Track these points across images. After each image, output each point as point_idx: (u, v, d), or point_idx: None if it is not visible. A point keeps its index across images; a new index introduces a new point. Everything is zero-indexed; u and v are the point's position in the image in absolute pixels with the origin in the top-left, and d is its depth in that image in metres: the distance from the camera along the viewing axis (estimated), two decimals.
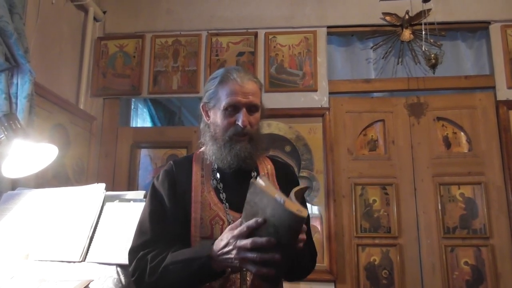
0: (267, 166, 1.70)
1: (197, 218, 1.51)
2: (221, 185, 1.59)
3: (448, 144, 3.39)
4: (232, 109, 1.53)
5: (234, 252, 1.26)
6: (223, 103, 1.53)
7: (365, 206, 3.32)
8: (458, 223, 3.23)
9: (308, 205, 3.32)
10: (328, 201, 3.30)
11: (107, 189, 2.10)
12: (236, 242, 1.25)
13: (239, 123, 1.52)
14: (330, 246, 3.22)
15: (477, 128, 3.38)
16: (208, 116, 1.64)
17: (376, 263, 3.23)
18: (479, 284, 3.13)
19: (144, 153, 3.62)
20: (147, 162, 3.60)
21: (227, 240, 1.28)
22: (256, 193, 1.25)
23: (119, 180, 3.51)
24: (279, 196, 1.18)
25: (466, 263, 3.17)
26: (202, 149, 1.67)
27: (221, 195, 1.56)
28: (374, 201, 3.32)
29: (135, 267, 1.45)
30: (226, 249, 1.27)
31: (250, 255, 1.22)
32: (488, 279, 3.13)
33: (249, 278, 1.44)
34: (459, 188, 3.29)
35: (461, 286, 3.13)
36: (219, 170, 1.61)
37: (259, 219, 1.21)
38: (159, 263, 1.39)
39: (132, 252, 1.50)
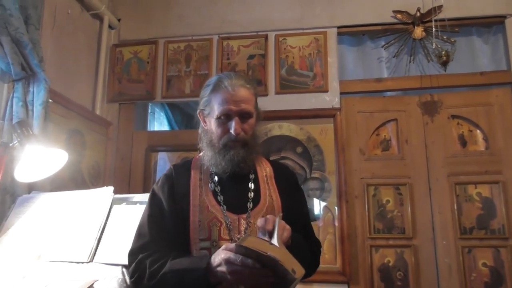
0: (265, 169, 1.73)
1: (196, 221, 1.53)
2: (219, 187, 1.62)
3: (463, 142, 3.34)
4: (224, 118, 1.56)
5: (229, 275, 1.28)
6: (216, 112, 1.57)
7: (378, 206, 3.29)
8: (475, 224, 3.16)
9: (321, 205, 3.34)
10: (341, 202, 3.28)
11: (123, 191, 2.17)
12: (228, 267, 1.27)
13: (232, 131, 1.55)
14: (343, 247, 3.20)
15: (494, 125, 3.30)
16: (205, 122, 1.68)
17: (390, 264, 3.19)
18: (498, 286, 3.05)
19: (160, 156, 3.70)
20: (163, 164, 3.66)
21: (220, 260, 1.30)
22: (247, 251, 1.23)
23: (135, 182, 3.58)
24: (272, 253, 1.18)
25: (484, 264, 3.10)
26: (201, 153, 1.71)
27: (218, 197, 1.59)
28: (388, 201, 3.29)
29: (134, 270, 1.49)
30: (221, 268, 1.29)
31: (245, 277, 1.26)
32: (508, 281, 3.04)
33: None
34: (475, 188, 3.22)
35: None
36: (216, 173, 1.65)
37: (257, 264, 1.23)
38: (158, 269, 1.42)
39: (131, 254, 1.54)
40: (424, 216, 3.23)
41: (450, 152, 3.31)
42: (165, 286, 1.41)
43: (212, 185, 1.62)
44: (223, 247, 1.33)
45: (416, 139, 3.37)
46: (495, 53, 3.56)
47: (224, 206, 1.56)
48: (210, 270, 1.33)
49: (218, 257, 1.31)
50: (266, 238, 1.31)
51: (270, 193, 1.64)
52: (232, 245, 1.30)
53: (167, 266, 1.41)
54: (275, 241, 1.28)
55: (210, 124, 1.63)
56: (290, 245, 1.36)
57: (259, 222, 1.38)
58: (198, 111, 1.69)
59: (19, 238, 1.99)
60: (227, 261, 1.27)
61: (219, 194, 1.60)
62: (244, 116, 1.57)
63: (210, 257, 1.36)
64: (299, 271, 1.17)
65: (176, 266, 1.41)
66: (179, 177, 1.65)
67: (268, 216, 1.40)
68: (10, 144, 2.15)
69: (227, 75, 1.61)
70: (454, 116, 3.37)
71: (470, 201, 3.21)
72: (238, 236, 1.50)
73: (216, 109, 1.57)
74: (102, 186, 2.22)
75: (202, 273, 1.34)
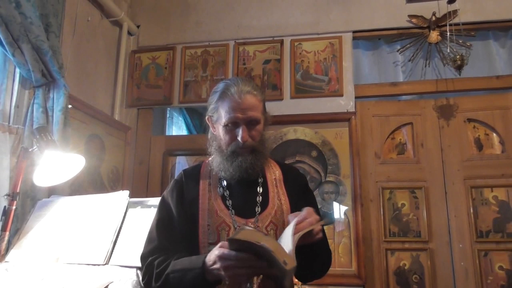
0: (275, 172, 1.73)
1: (205, 225, 1.56)
2: (228, 192, 1.64)
3: (480, 146, 3.31)
4: (232, 125, 1.57)
5: (223, 271, 1.29)
6: (223, 119, 1.58)
7: (393, 210, 3.28)
8: (492, 227, 3.13)
9: (336, 209, 3.35)
10: (356, 205, 3.29)
11: (141, 195, 2.23)
12: (222, 262, 1.29)
13: (239, 139, 1.56)
14: (358, 250, 3.21)
15: (511, 129, 3.27)
16: (213, 127, 1.69)
17: (406, 267, 3.18)
18: None
19: (178, 160, 3.76)
20: (180, 168, 3.71)
21: (214, 258, 1.32)
22: (240, 244, 1.25)
23: (153, 186, 3.64)
24: (265, 244, 1.18)
25: (500, 267, 3.07)
26: (211, 158, 1.72)
27: (227, 202, 1.61)
28: (403, 205, 3.28)
29: (145, 272, 1.53)
30: (216, 266, 1.31)
31: (240, 271, 1.27)
32: None
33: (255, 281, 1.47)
34: (492, 191, 3.20)
35: None
36: (225, 178, 1.66)
37: (253, 257, 1.24)
38: (163, 270, 1.46)
39: (142, 258, 1.58)
40: (440, 220, 3.22)
41: (466, 155, 3.29)
42: (170, 286, 1.44)
43: (221, 189, 1.64)
44: (218, 244, 1.34)
45: (431, 142, 3.36)
46: (511, 57, 3.52)
47: (233, 211, 1.58)
48: (206, 268, 1.35)
49: (213, 254, 1.33)
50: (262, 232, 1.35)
51: (279, 196, 1.65)
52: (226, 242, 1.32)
53: (170, 267, 1.46)
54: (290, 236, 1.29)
55: (218, 131, 1.64)
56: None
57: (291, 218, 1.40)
58: (206, 117, 1.71)
59: (38, 241, 2.06)
60: (221, 258, 1.29)
61: (227, 198, 1.62)
62: (251, 123, 1.58)
63: (206, 256, 1.38)
64: (291, 263, 1.17)
65: (177, 266, 1.45)
66: (188, 182, 1.68)
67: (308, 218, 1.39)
68: (30, 149, 2.22)
69: (234, 82, 1.61)
70: (470, 120, 3.35)
71: (486, 204, 3.18)
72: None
73: (223, 116, 1.57)
74: (121, 190, 2.28)
75: (199, 272, 1.37)
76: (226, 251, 1.28)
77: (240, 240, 1.21)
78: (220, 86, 1.64)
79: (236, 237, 1.21)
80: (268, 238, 1.23)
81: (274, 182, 1.70)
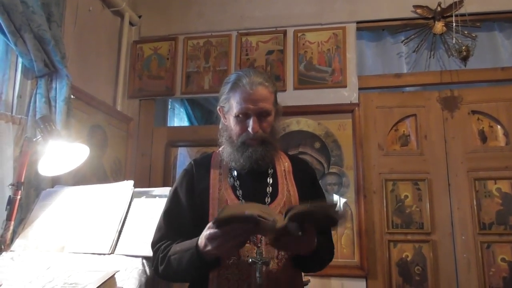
0: (284, 164, 1.74)
1: (215, 214, 1.56)
2: (238, 182, 1.64)
3: (484, 138, 3.30)
4: (243, 116, 1.58)
5: (215, 250, 1.35)
6: (234, 110, 1.58)
7: (396, 202, 3.28)
8: (495, 219, 3.13)
9: (337, 200, 3.35)
10: (359, 197, 3.29)
11: (143, 186, 2.21)
12: (212, 244, 1.35)
13: (250, 130, 1.57)
14: (361, 242, 3.21)
15: None
16: (225, 118, 1.70)
17: (408, 259, 3.19)
18: None
19: (180, 151, 3.75)
20: (183, 160, 3.71)
21: (204, 241, 1.37)
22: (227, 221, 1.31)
23: (155, 177, 3.63)
24: (248, 211, 1.25)
25: (503, 259, 3.08)
26: (221, 148, 1.73)
27: (237, 192, 1.62)
28: (406, 196, 3.28)
29: (153, 258, 1.59)
30: (207, 248, 1.36)
31: (229, 244, 1.33)
32: None
33: (265, 269, 1.48)
34: (495, 183, 3.19)
35: (498, 283, 3.04)
36: (235, 168, 1.67)
37: (236, 226, 1.30)
38: (166, 253, 1.51)
39: (152, 246, 1.62)
40: (443, 212, 3.22)
41: (470, 147, 3.28)
42: (172, 268, 1.49)
43: (231, 179, 1.65)
44: (207, 226, 1.39)
45: (435, 134, 3.35)
46: None
47: (243, 201, 1.59)
48: (200, 251, 1.40)
49: (202, 237, 1.38)
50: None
51: (288, 187, 1.66)
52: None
53: (171, 250, 1.51)
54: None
55: (229, 121, 1.65)
56: None
57: None
58: (218, 107, 1.71)
59: (43, 231, 2.05)
60: (209, 239, 1.34)
61: (238, 188, 1.63)
62: (262, 114, 1.58)
63: (198, 239, 1.42)
64: (280, 220, 1.25)
65: (177, 248, 1.49)
66: (199, 172, 1.68)
67: None
68: (34, 139, 2.20)
69: (246, 73, 1.61)
70: (474, 112, 3.34)
71: (489, 196, 3.18)
72: None
73: (234, 107, 1.58)
74: (124, 180, 2.27)
75: (194, 252, 1.41)
76: (212, 231, 1.34)
77: (225, 217, 1.27)
78: (232, 77, 1.65)
79: (221, 216, 1.27)
80: (252, 205, 1.32)
81: (284, 173, 1.70)
